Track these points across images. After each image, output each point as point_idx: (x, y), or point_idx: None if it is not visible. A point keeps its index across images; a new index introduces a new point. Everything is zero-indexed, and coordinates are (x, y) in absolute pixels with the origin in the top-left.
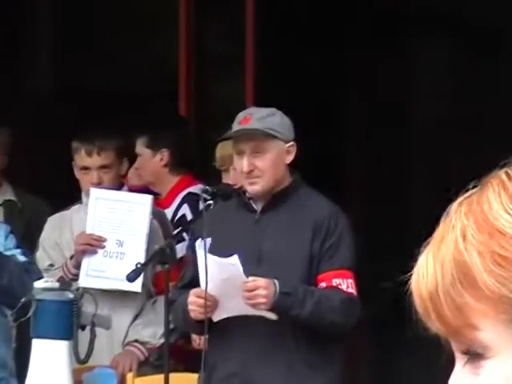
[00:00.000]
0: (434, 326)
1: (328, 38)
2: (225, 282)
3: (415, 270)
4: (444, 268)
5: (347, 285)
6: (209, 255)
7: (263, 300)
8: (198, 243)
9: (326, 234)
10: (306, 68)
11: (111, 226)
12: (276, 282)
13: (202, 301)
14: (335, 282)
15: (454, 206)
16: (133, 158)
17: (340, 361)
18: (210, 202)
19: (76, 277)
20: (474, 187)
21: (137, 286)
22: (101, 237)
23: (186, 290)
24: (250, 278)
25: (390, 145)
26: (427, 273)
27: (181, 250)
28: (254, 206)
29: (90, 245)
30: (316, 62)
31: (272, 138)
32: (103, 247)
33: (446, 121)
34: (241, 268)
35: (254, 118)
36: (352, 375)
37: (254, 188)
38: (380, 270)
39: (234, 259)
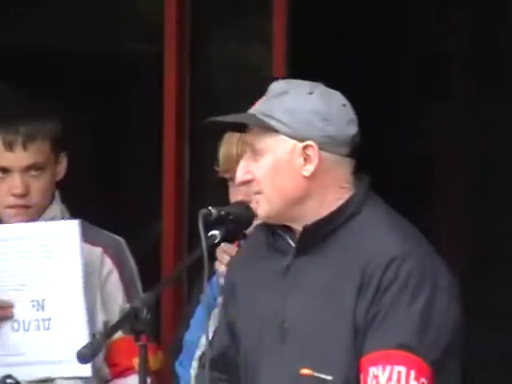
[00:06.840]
0: None
1: None
2: None
3: None
4: None
5: (389, 376)
6: None
7: None
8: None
9: (376, 292)
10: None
11: (16, 280)
12: None
13: None
14: (373, 371)
15: None
16: None
17: None
18: (215, 232)
19: None
20: None
21: (86, 369)
22: (4, 301)
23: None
24: None
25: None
26: None
27: None
28: (287, 242)
29: None
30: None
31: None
32: (11, 317)
33: None
34: None
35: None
36: None
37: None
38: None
39: None
